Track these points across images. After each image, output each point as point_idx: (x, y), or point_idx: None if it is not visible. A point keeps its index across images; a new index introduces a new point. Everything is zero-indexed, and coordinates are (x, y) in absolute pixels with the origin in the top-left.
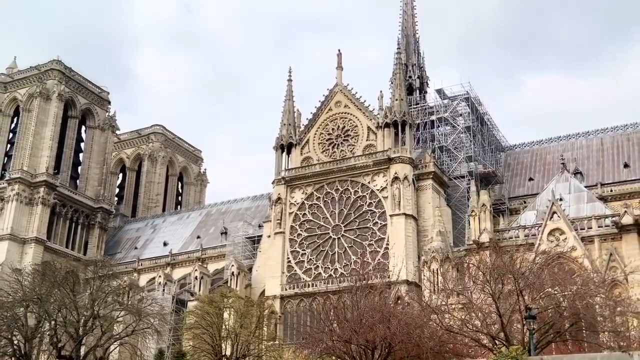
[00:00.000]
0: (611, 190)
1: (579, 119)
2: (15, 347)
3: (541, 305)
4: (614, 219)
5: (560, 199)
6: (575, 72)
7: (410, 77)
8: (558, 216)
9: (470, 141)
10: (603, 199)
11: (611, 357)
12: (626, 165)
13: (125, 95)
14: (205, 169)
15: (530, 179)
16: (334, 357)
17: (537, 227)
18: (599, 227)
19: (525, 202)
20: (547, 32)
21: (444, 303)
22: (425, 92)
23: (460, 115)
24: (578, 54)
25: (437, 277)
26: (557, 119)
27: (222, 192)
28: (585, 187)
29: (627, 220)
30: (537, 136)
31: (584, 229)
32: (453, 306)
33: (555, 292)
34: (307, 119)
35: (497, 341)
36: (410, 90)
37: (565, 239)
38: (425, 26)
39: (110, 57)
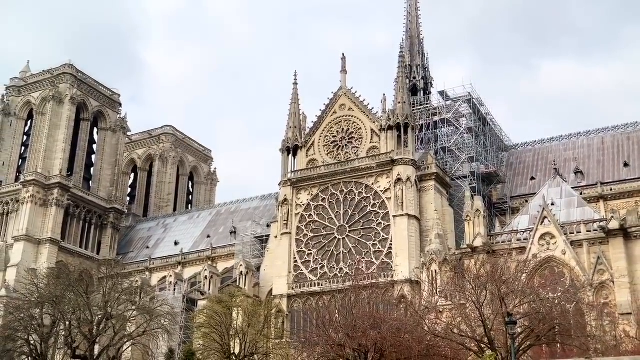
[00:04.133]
0: (611, 189)
1: (594, 106)
2: (31, 347)
3: (521, 312)
4: (601, 223)
5: (552, 204)
6: (591, 58)
7: (414, 77)
8: (549, 221)
9: (473, 142)
10: (603, 197)
11: None
12: (626, 164)
13: (134, 85)
14: (215, 168)
15: (532, 178)
16: None
17: (529, 232)
18: (587, 231)
19: (527, 201)
20: (562, 15)
21: (439, 304)
22: (429, 92)
23: (463, 116)
24: (594, 38)
25: (436, 279)
26: (572, 105)
27: (230, 183)
28: (586, 186)
29: (614, 225)
30: (551, 125)
31: (573, 233)
32: (450, 308)
33: (535, 300)
34: (312, 121)
35: (482, 345)
36: (414, 91)
37: (556, 243)
38: (437, 11)
39: (119, 48)
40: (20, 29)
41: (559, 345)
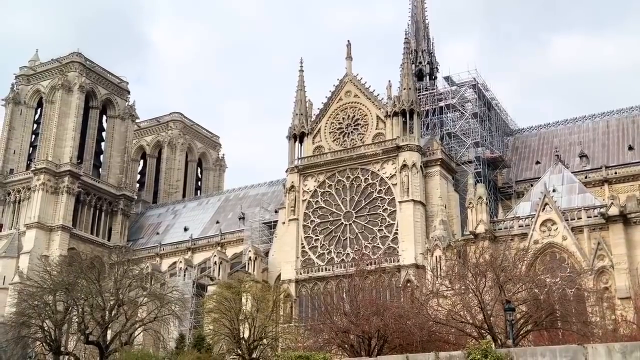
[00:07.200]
0: (615, 173)
1: (603, 84)
2: (45, 333)
3: (519, 298)
4: (601, 210)
5: (554, 190)
6: (601, 31)
7: (420, 62)
8: (550, 207)
9: (478, 127)
10: (608, 181)
11: (568, 350)
12: (631, 148)
13: (140, 66)
14: (223, 154)
15: (537, 162)
16: (334, 347)
17: (530, 218)
18: (588, 217)
19: (532, 185)
20: None
21: (440, 290)
22: (435, 77)
23: (468, 101)
24: (604, 10)
25: (440, 265)
26: (582, 83)
27: (238, 165)
28: (590, 169)
29: (614, 211)
30: (560, 103)
31: (574, 220)
32: (451, 294)
33: (534, 286)
34: (318, 108)
35: (482, 331)
36: (420, 76)
37: (557, 229)
38: None
39: (125, 29)
40: (27, 11)
41: (559, 330)
